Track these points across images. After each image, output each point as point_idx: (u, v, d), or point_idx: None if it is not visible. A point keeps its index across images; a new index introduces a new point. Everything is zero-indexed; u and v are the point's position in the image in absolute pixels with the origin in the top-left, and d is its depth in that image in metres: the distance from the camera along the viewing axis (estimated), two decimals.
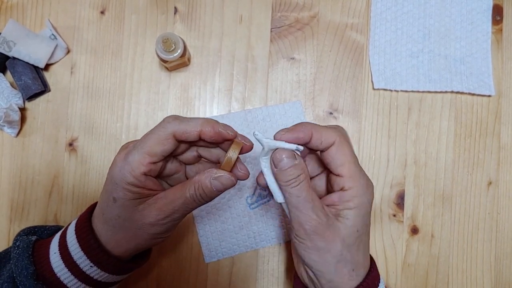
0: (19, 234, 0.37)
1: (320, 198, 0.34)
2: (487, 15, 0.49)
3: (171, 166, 0.36)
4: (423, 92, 0.48)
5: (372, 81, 0.48)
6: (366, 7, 0.49)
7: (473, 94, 0.49)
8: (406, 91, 0.48)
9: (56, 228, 0.40)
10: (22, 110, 0.47)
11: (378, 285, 0.34)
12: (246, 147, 0.33)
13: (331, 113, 0.48)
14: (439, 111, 0.48)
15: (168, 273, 0.46)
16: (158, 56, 0.43)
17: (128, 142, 0.34)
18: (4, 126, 0.46)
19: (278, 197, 0.33)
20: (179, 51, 0.43)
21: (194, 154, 0.36)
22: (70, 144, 0.48)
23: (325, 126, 0.34)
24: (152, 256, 0.46)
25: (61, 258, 0.34)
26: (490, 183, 0.48)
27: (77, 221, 0.35)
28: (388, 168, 0.48)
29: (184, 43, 0.43)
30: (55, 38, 0.47)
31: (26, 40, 0.46)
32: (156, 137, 0.31)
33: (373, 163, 0.48)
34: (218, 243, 0.46)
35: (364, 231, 0.33)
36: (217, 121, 0.32)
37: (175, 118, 0.32)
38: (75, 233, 0.34)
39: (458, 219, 0.48)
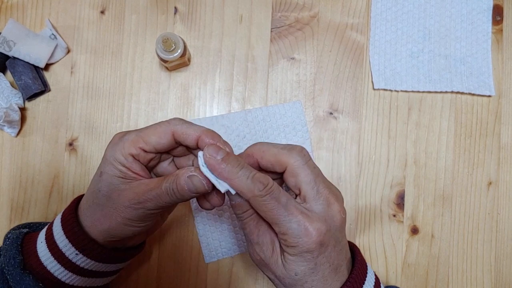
0: (12, 228, 0.37)
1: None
2: (487, 15, 0.49)
3: (168, 167, 0.36)
4: (423, 92, 0.48)
5: (372, 81, 0.48)
6: (366, 7, 0.49)
7: (473, 94, 0.49)
8: (406, 91, 0.48)
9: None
10: (22, 110, 0.47)
11: None
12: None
13: (331, 113, 0.48)
14: (439, 111, 0.48)
15: (168, 273, 0.46)
16: (158, 56, 0.43)
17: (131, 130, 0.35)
18: (4, 126, 0.46)
19: (222, 186, 0.31)
20: (179, 51, 0.43)
21: (189, 163, 0.35)
22: (70, 144, 0.48)
23: (266, 157, 0.32)
24: (152, 256, 0.46)
25: (47, 247, 0.34)
26: (490, 183, 0.48)
27: (64, 210, 0.36)
28: (388, 168, 0.48)
29: (184, 43, 0.43)
30: (55, 38, 0.47)
31: (26, 40, 0.46)
32: (156, 127, 0.32)
33: (373, 163, 0.48)
34: (218, 243, 0.46)
35: (306, 276, 0.31)
36: (219, 136, 0.32)
37: (181, 119, 0.33)
38: (61, 222, 0.34)
39: (458, 219, 0.48)
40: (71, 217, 0.34)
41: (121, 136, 0.33)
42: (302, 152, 0.33)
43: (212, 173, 0.30)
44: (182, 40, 0.43)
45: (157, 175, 0.36)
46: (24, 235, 0.36)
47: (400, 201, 0.48)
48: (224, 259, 0.46)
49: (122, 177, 0.32)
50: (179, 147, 0.34)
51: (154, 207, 0.32)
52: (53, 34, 0.47)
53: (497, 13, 0.50)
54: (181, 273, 0.46)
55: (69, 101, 0.48)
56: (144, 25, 0.49)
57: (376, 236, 0.47)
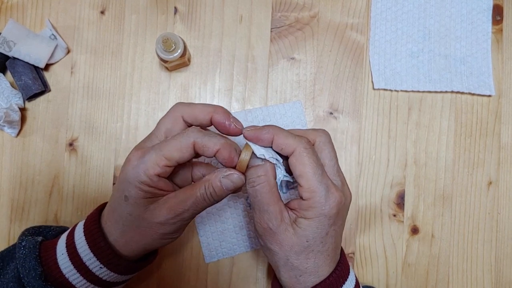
0: (23, 234, 0.37)
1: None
2: (487, 15, 0.49)
3: (186, 172, 0.36)
4: (423, 92, 0.48)
5: (372, 81, 0.48)
6: (366, 7, 0.49)
7: (473, 94, 0.49)
8: (406, 91, 0.48)
9: (61, 229, 0.40)
10: (22, 110, 0.47)
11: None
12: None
13: (331, 113, 0.48)
14: (439, 111, 0.48)
15: (169, 273, 0.46)
16: (158, 56, 0.43)
17: (140, 143, 0.34)
18: (4, 126, 0.46)
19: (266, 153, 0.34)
20: (179, 51, 0.43)
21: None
22: (70, 144, 0.48)
23: (295, 132, 0.35)
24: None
25: (70, 259, 0.34)
26: (490, 183, 0.48)
27: (86, 221, 0.35)
28: (388, 168, 0.48)
29: (184, 43, 0.43)
30: (55, 38, 0.47)
31: (26, 40, 0.46)
32: (178, 143, 0.31)
33: (373, 163, 0.48)
34: (218, 243, 0.46)
35: (316, 243, 0.33)
36: (235, 144, 0.33)
37: (199, 130, 0.33)
38: (84, 234, 0.34)
39: (458, 219, 0.48)
40: (96, 230, 0.34)
41: (140, 156, 0.32)
42: (326, 132, 0.36)
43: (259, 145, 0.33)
44: (182, 40, 0.43)
45: (170, 176, 0.35)
46: (40, 243, 0.35)
47: (400, 201, 0.48)
48: (224, 259, 0.47)
49: (149, 197, 0.32)
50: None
51: (190, 216, 0.33)
52: (53, 34, 0.47)
53: (497, 13, 0.50)
54: (181, 273, 0.46)
55: (69, 101, 0.48)
56: (144, 25, 0.49)
57: (376, 236, 0.47)
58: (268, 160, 0.33)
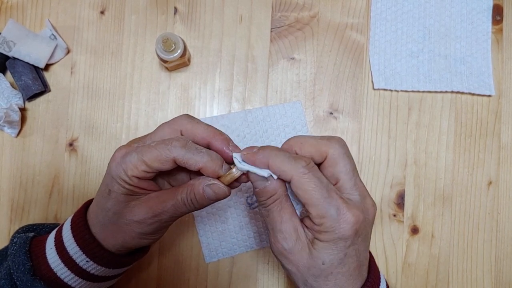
0: (17, 231, 0.37)
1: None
2: (487, 15, 0.49)
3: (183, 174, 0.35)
4: (423, 92, 0.48)
5: (372, 81, 0.48)
6: (366, 7, 0.49)
7: (473, 94, 0.49)
8: (406, 91, 0.48)
9: (55, 226, 0.40)
10: (22, 110, 0.47)
11: None
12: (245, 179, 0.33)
13: (331, 113, 0.48)
14: (439, 111, 0.48)
15: (168, 273, 0.46)
16: (158, 56, 0.43)
17: (135, 139, 0.34)
18: (4, 126, 0.46)
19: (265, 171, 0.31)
20: (179, 51, 0.43)
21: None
22: (70, 144, 0.48)
23: (306, 143, 0.32)
24: (152, 256, 0.46)
25: (57, 253, 0.34)
26: (490, 183, 0.48)
27: (73, 216, 0.35)
28: (388, 168, 0.48)
29: (184, 43, 0.43)
30: (55, 38, 0.47)
31: (26, 40, 0.46)
32: (158, 154, 0.30)
33: (373, 163, 0.48)
34: (218, 243, 0.46)
35: (333, 266, 0.31)
36: (221, 159, 0.32)
37: (183, 144, 0.31)
38: (71, 228, 0.34)
39: (458, 219, 0.48)
40: (81, 224, 0.34)
41: (123, 155, 0.31)
42: (341, 142, 0.32)
43: (252, 165, 0.31)
44: (182, 40, 0.43)
45: (166, 177, 0.35)
46: (31, 239, 0.36)
47: (400, 201, 0.48)
48: (224, 259, 0.47)
49: (130, 194, 0.32)
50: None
51: (169, 219, 0.32)
52: (53, 34, 0.47)
53: (497, 12, 0.50)
54: (181, 273, 0.46)
55: (69, 101, 0.48)
56: (144, 25, 0.49)
57: (376, 236, 0.47)
58: (273, 177, 0.31)
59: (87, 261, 0.33)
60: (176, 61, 0.44)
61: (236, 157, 0.31)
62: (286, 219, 0.31)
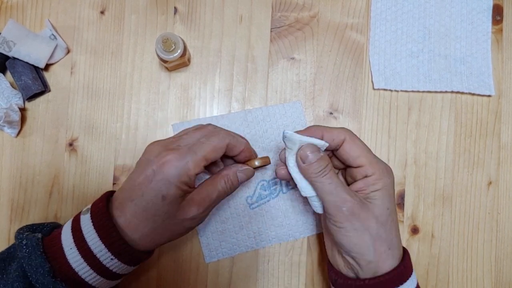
0: (20, 233, 0.37)
1: None
2: (487, 15, 0.49)
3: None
4: (423, 92, 0.48)
5: (372, 81, 0.48)
6: (366, 7, 0.49)
7: (473, 94, 0.49)
8: (406, 91, 0.48)
9: (54, 225, 0.40)
10: (22, 110, 0.47)
11: (412, 271, 0.37)
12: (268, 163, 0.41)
13: (331, 113, 0.48)
14: (439, 111, 0.48)
15: (168, 273, 0.46)
16: (158, 56, 0.43)
17: (168, 143, 0.36)
18: (4, 126, 0.46)
19: (307, 191, 0.37)
20: (179, 51, 0.43)
21: None
22: (70, 144, 0.48)
23: (332, 127, 0.38)
24: (152, 255, 0.46)
25: (79, 253, 0.34)
26: (490, 183, 0.48)
27: (94, 214, 0.35)
28: None
29: (184, 43, 0.43)
30: (55, 38, 0.47)
31: (26, 40, 0.46)
32: (214, 145, 0.35)
33: None
34: (218, 243, 0.46)
35: (393, 209, 0.36)
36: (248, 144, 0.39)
37: (226, 131, 0.38)
38: (94, 227, 0.34)
39: (458, 219, 0.48)
40: (107, 222, 0.34)
41: (179, 158, 0.34)
42: (347, 129, 0.38)
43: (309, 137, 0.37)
44: (182, 40, 0.43)
45: None
46: (42, 239, 0.36)
47: (400, 201, 0.48)
48: (224, 259, 0.47)
49: (183, 196, 0.35)
50: None
51: (213, 207, 0.38)
52: (53, 34, 0.47)
53: (497, 13, 0.50)
54: (181, 273, 0.46)
55: (69, 101, 0.48)
56: (144, 25, 0.49)
57: None
58: (324, 151, 0.37)
59: (111, 258, 0.34)
60: (176, 61, 0.44)
61: (288, 132, 0.36)
62: (341, 184, 0.36)
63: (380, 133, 0.48)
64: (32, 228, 0.38)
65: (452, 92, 0.48)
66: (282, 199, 0.47)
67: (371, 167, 0.36)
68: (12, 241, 0.47)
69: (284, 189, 0.47)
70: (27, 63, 0.46)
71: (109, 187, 0.47)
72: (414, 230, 0.47)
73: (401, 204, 0.48)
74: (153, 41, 0.48)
